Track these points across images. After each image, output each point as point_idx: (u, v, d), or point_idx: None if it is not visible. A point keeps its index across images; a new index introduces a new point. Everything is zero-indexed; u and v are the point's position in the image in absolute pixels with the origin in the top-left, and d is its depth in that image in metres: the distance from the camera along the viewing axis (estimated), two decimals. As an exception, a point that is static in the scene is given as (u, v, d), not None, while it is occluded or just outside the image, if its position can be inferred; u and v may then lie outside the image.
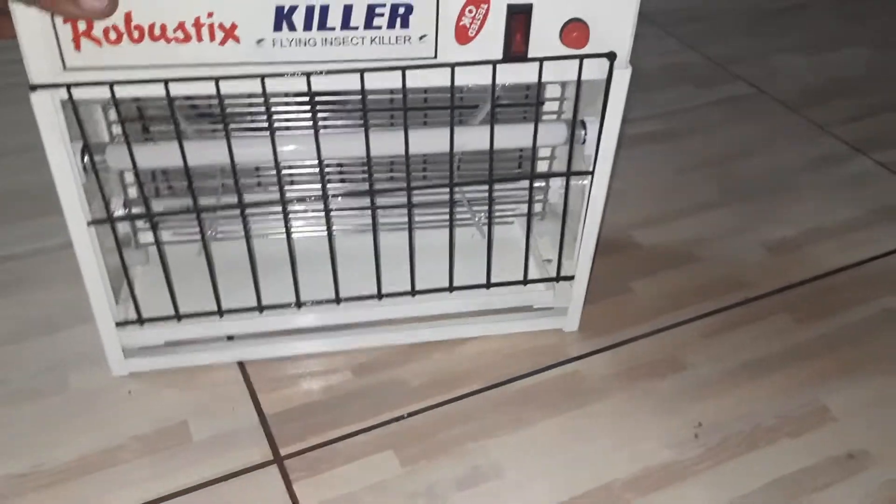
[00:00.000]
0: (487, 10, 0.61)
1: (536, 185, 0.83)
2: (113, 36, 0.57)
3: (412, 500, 0.66)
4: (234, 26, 0.58)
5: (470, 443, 0.71)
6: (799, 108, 1.21)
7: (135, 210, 0.76)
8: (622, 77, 0.66)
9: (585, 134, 0.71)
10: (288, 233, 0.70)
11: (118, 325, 0.71)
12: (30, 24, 0.55)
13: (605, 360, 0.79)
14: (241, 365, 0.76)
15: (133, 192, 0.78)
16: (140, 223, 0.80)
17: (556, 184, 0.82)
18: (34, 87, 0.58)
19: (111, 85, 0.59)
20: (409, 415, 0.73)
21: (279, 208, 0.70)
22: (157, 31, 0.57)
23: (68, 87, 0.58)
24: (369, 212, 0.71)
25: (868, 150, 1.13)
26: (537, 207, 0.86)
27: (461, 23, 0.61)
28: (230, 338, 0.77)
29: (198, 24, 0.57)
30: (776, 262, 0.93)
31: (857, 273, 0.91)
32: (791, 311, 0.86)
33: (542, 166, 0.84)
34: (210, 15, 0.57)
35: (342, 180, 0.82)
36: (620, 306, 0.86)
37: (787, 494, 0.68)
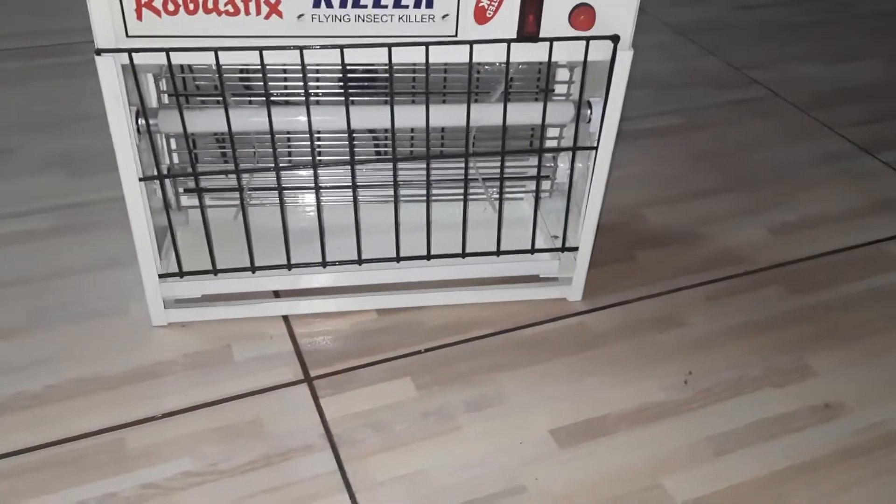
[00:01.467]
0: (503, -7, 0.69)
1: (545, 164, 0.91)
2: (171, 7, 0.64)
3: (425, 417, 0.74)
4: (278, 2, 0.65)
5: (479, 375, 0.79)
6: (810, 110, 1.28)
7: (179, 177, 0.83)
8: (625, 58, 0.73)
9: (591, 113, 0.78)
10: (317, 191, 0.78)
11: (160, 276, 0.79)
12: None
13: (609, 315, 0.87)
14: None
15: (176, 157, 0.86)
16: (181, 189, 0.87)
17: (564, 164, 0.89)
18: (99, 52, 0.65)
19: (167, 52, 0.66)
20: (426, 350, 0.81)
21: (310, 174, 0.77)
22: (210, 5, 0.65)
23: (129, 52, 0.66)
24: (391, 184, 0.78)
25: (874, 150, 1.19)
26: (545, 186, 0.93)
27: (480, 4, 0.68)
28: (276, 294, 0.85)
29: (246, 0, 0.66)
30: (776, 242, 0.99)
31: (851, 255, 0.98)
32: (786, 283, 0.93)
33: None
34: (257, -10, 0.65)
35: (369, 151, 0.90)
36: (625, 272, 0.93)
37: (765, 434, 0.74)
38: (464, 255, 0.84)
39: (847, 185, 1.11)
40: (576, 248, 0.85)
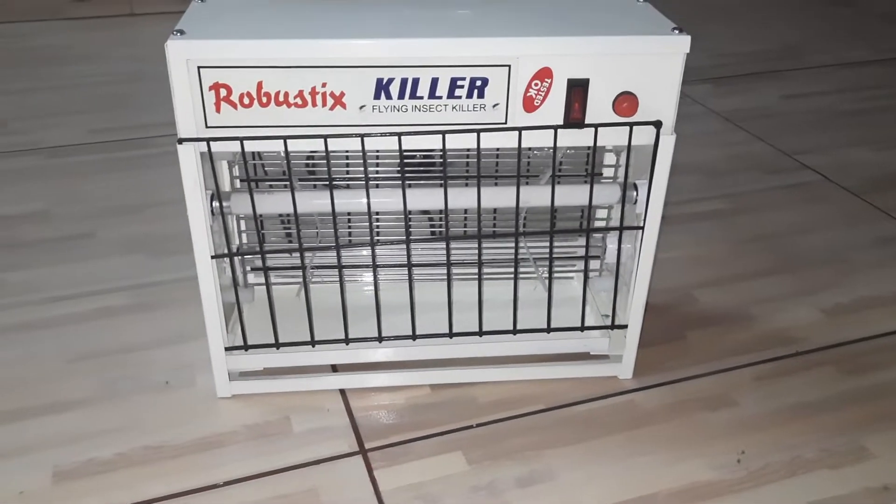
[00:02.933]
0: (551, 83, 0.73)
1: (595, 244, 0.93)
2: (246, 101, 0.71)
3: (475, 492, 0.75)
4: (342, 94, 0.72)
5: (530, 451, 0.80)
6: (864, 195, 1.29)
7: (247, 256, 0.89)
8: (667, 142, 0.77)
9: (637, 194, 0.82)
10: (375, 270, 0.82)
11: (226, 349, 0.83)
12: (184, 91, 0.70)
13: (659, 393, 0.88)
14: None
15: (245, 238, 0.92)
16: (248, 268, 0.93)
17: (613, 244, 0.90)
18: (181, 141, 0.72)
19: (241, 140, 0.72)
20: (478, 425, 0.83)
21: (369, 253, 0.81)
22: (281, 98, 0.71)
23: (208, 140, 0.72)
24: (444, 262, 0.82)
25: (929, 234, 1.19)
26: (596, 265, 0.95)
27: (528, 94, 0.74)
28: (334, 368, 0.89)
29: (313, 93, 0.71)
30: (829, 323, 0.99)
31: (906, 337, 0.97)
32: (840, 364, 0.92)
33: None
34: (324, 85, 0.71)
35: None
36: (676, 351, 0.94)
37: (820, 516, 0.73)
38: (515, 331, 0.86)
39: (902, 268, 1.10)
40: (625, 326, 0.87)
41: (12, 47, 1.87)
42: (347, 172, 0.89)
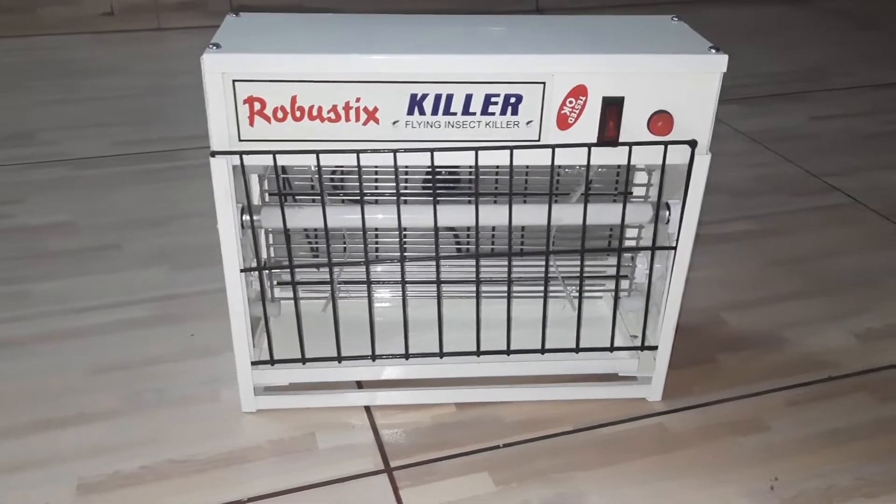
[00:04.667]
0: (585, 101, 0.73)
1: (624, 264, 0.92)
2: (280, 115, 0.71)
3: (504, 513, 0.74)
4: (375, 109, 0.71)
5: (557, 473, 0.78)
6: (893, 218, 1.27)
7: (274, 271, 0.90)
8: (703, 162, 0.76)
9: (669, 214, 0.81)
10: (403, 285, 0.81)
11: (252, 363, 0.83)
12: (218, 104, 0.70)
13: (689, 416, 0.86)
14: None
15: (273, 251, 0.92)
16: (275, 282, 0.93)
17: (642, 265, 0.90)
18: (214, 154, 0.72)
19: (274, 154, 0.72)
20: (504, 445, 0.82)
21: (393, 270, 0.80)
22: (314, 112, 0.71)
23: (241, 154, 0.72)
24: (473, 280, 0.81)
25: (963, 258, 1.17)
26: (624, 285, 0.94)
27: (562, 111, 0.73)
28: (359, 384, 0.88)
29: (347, 108, 0.71)
30: (862, 348, 0.97)
31: (942, 364, 0.95)
32: (875, 391, 0.90)
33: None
34: (358, 100, 0.71)
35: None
36: (706, 374, 0.92)
37: (859, 547, 0.71)
38: (543, 351, 0.85)
39: (936, 293, 1.08)
40: (655, 347, 0.86)
41: (41, 60, 1.89)
42: (376, 188, 0.89)
